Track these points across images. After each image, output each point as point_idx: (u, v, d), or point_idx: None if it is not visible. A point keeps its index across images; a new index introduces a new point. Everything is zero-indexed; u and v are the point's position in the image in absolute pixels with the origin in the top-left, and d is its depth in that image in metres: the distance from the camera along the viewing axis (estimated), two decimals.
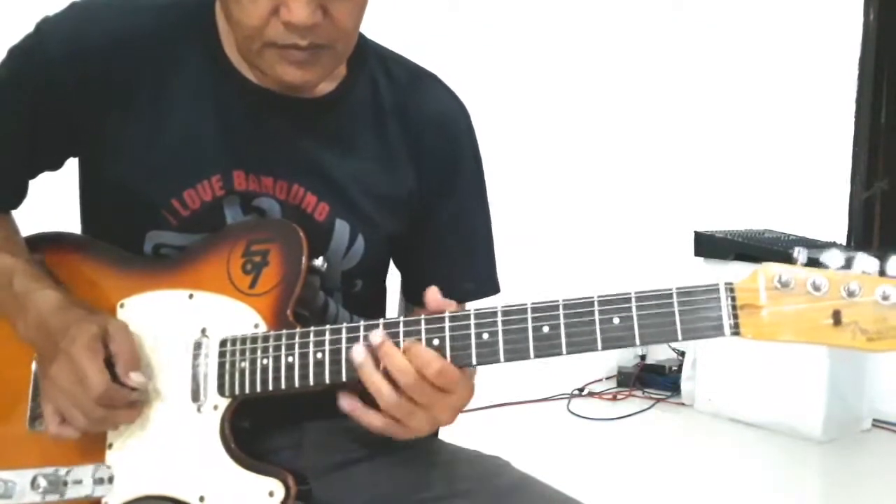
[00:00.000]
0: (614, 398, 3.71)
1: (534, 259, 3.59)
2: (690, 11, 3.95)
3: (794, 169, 3.70)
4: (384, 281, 1.26)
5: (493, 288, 1.23)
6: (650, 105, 3.96)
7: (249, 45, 1.01)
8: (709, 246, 3.50)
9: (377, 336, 0.95)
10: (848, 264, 0.85)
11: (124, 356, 1.02)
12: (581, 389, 3.70)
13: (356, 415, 0.98)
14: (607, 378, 3.84)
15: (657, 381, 3.77)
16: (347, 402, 0.98)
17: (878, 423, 3.39)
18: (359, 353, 0.95)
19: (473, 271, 1.22)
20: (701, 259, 3.53)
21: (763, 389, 3.24)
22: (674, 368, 3.75)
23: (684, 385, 3.62)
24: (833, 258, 0.86)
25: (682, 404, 3.61)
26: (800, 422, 3.19)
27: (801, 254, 0.87)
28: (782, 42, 3.73)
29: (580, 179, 3.88)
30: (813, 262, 0.87)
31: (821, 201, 3.67)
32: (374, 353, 0.95)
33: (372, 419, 0.97)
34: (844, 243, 3.64)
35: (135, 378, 1.01)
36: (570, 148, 3.89)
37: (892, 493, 2.80)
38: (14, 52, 1.09)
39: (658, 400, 3.67)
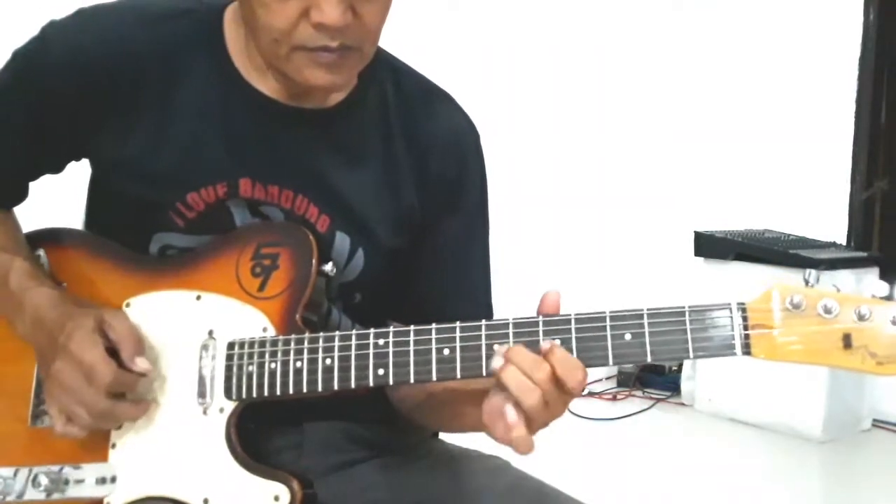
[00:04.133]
0: (614, 398, 3.71)
1: (535, 260, 3.59)
2: (690, 11, 3.95)
3: (794, 169, 3.70)
4: (386, 294, 1.25)
5: (486, 312, 1.21)
6: (650, 105, 3.96)
7: (276, 50, 1.00)
8: (709, 246, 3.50)
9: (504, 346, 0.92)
10: (858, 287, 0.87)
11: (126, 342, 1.01)
12: None
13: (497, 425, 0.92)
14: (607, 378, 3.83)
15: (657, 381, 3.77)
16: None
17: (878, 423, 3.40)
18: (497, 361, 0.91)
19: (469, 293, 1.20)
20: (701, 259, 3.53)
21: (763, 389, 3.24)
22: (674, 368, 3.75)
23: (684, 385, 3.62)
24: (844, 281, 0.87)
25: (682, 404, 3.61)
26: (800, 422, 3.19)
27: (811, 276, 0.89)
28: (782, 42, 3.73)
29: (580, 180, 3.88)
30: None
31: (821, 201, 3.67)
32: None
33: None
34: (844, 243, 3.64)
35: (140, 363, 1.01)
36: (570, 148, 3.89)
37: (892, 492, 2.80)
38: (18, 56, 1.09)
39: (658, 400, 3.67)
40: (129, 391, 1.02)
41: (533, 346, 0.92)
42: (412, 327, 0.97)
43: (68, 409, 1.01)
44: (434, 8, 3.48)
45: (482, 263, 1.22)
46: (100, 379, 0.98)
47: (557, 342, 0.91)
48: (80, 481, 1.05)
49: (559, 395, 0.91)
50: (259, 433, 1.07)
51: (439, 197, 1.16)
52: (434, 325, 0.96)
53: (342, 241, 1.12)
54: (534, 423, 0.92)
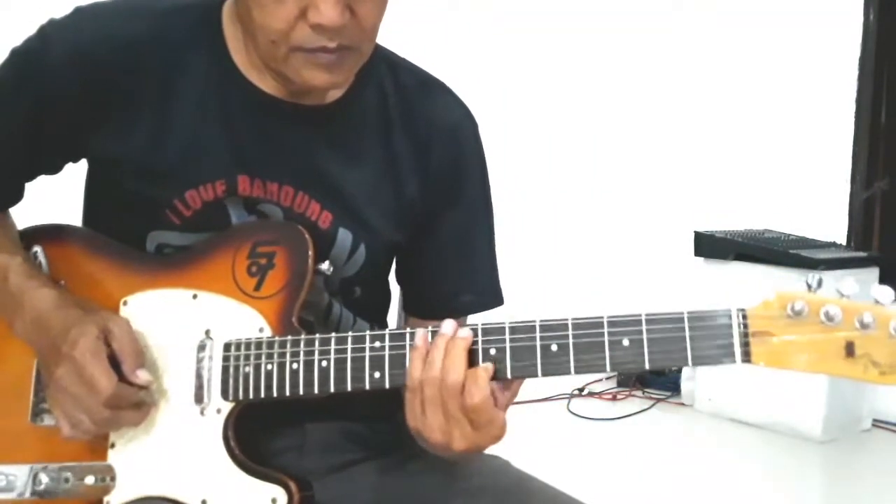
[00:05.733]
0: (614, 398, 3.70)
1: (535, 260, 3.59)
2: (690, 11, 3.95)
3: (794, 169, 3.70)
4: (386, 288, 1.25)
5: (495, 300, 1.22)
6: (650, 105, 3.96)
7: (274, 51, 1.00)
8: (709, 246, 3.49)
9: (465, 331, 0.94)
10: (862, 293, 0.85)
11: (128, 354, 1.01)
12: (581, 389, 3.70)
13: None
14: (607, 378, 3.82)
15: (657, 381, 3.76)
16: None
17: (878, 423, 3.39)
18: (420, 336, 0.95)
19: (475, 283, 1.21)
20: (701, 259, 3.52)
21: (763, 389, 3.23)
22: (674, 368, 3.75)
23: (684, 385, 3.61)
24: (847, 287, 0.85)
25: (682, 404, 3.60)
26: (800, 422, 3.19)
27: (814, 280, 0.86)
28: (782, 42, 3.73)
29: (580, 179, 3.88)
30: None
31: (821, 201, 3.67)
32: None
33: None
34: (844, 243, 3.64)
35: (142, 376, 1.01)
36: (570, 148, 3.89)
37: (892, 492, 2.80)
38: (16, 54, 1.08)
39: (658, 400, 3.66)
40: (126, 404, 1.01)
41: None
42: (408, 330, 0.97)
43: (71, 416, 1.01)
44: (434, 8, 3.48)
45: (487, 253, 1.22)
46: (100, 392, 0.98)
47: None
48: (79, 480, 1.05)
49: (462, 410, 0.93)
50: (261, 434, 1.07)
51: (440, 189, 1.16)
52: (430, 328, 0.96)
53: (344, 236, 1.12)
54: (426, 405, 0.94)
